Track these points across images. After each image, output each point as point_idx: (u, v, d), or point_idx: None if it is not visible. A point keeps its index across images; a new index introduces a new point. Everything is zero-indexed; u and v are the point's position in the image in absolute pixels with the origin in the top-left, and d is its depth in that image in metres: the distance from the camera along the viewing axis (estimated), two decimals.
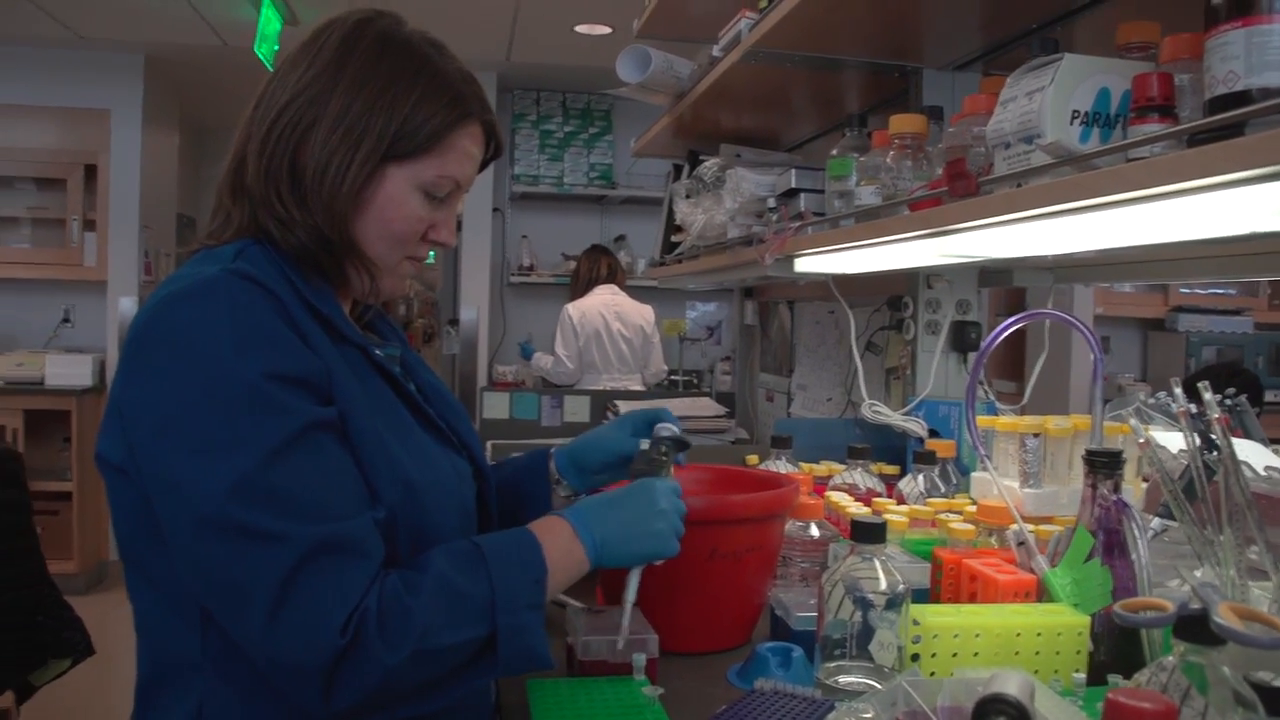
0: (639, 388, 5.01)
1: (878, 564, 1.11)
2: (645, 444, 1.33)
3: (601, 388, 4.60)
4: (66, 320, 5.80)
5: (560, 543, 1.13)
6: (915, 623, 1.10)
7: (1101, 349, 1.37)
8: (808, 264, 2.13)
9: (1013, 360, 3.98)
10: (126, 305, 5.66)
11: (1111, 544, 1.18)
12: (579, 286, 5.23)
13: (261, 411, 0.98)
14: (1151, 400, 1.76)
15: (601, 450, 1.41)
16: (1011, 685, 0.75)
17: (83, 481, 5.30)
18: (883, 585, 1.09)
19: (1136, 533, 1.18)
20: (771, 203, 2.25)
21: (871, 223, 1.68)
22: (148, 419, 1.00)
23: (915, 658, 1.10)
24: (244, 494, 0.95)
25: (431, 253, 1.24)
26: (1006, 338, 1.42)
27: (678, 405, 3.15)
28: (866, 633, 1.08)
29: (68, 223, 5.64)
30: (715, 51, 2.31)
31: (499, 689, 1.27)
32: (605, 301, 5.12)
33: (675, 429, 1.35)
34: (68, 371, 5.39)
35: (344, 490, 1.02)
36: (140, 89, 5.76)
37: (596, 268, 5.23)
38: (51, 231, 5.76)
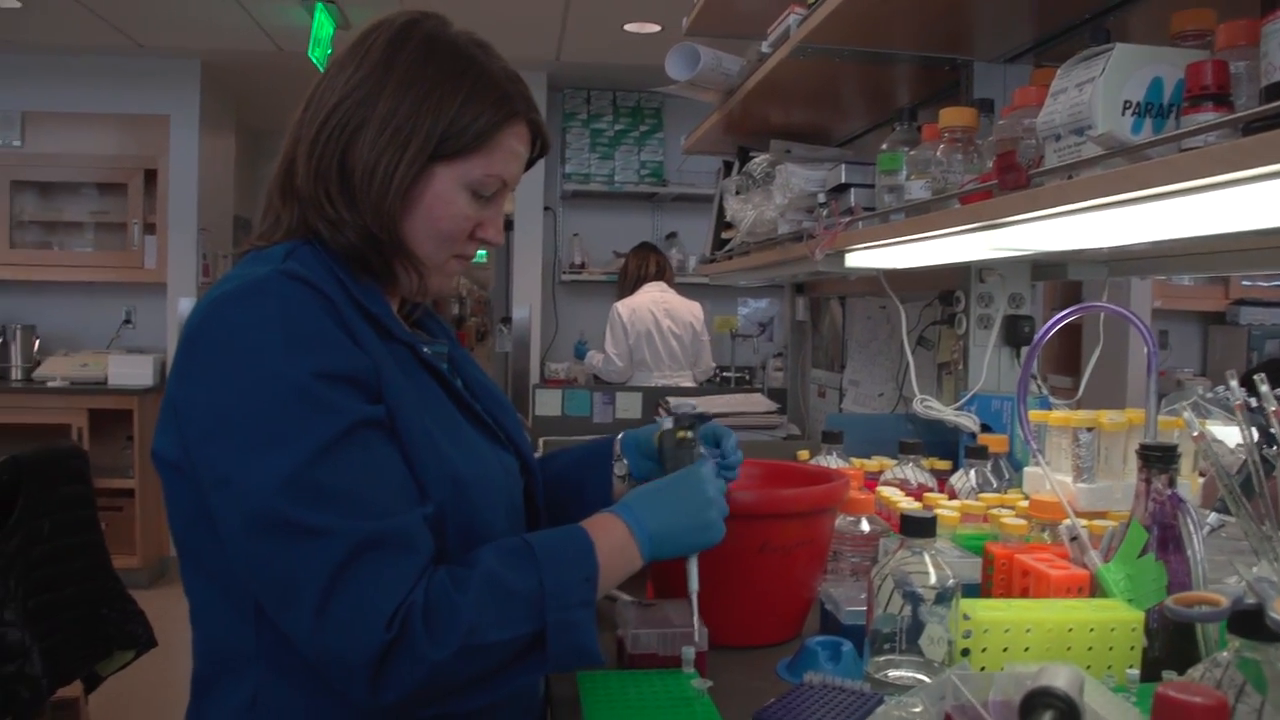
0: (690, 384, 5.01)
1: (927, 558, 1.10)
2: (667, 424, 1.34)
3: (653, 384, 4.60)
4: (128, 321, 5.91)
5: (613, 539, 1.13)
6: (966, 617, 1.09)
7: (1156, 342, 1.36)
8: (858, 259, 2.12)
9: (1069, 355, 3.92)
10: (185, 306, 5.75)
11: (1166, 539, 1.16)
12: (627, 284, 5.24)
13: (311, 409, 1.00)
14: (1209, 394, 1.73)
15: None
16: (1060, 679, 0.74)
17: (144, 479, 5.39)
18: (932, 580, 1.08)
19: (1192, 528, 1.16)
20: (821, 198, 2.24)
21: (922, 217, 1.67)
22: (201, 417, 1.02)
23: (965, 652, 1.09)
24: (293, 490, 0.97)
25: (482, 252, 1.25)
26: (1063, 332, 1.40)
27: (730, 401, 3.15)
28: (916, 627, 1.08)
29: (129, 226, 5.75)
30: (764, 48, 2.30)
31: (549, 681, 1.28)
32: (654, 299, 5.12)
33: (692, 404, 1.39)
34: (129, 371, 5.49)
35: (392, 487, 1.04)
36: (198, 94, 5.85)
37: (645, 265, 5.23)
38: (113, 235, 5.88)
